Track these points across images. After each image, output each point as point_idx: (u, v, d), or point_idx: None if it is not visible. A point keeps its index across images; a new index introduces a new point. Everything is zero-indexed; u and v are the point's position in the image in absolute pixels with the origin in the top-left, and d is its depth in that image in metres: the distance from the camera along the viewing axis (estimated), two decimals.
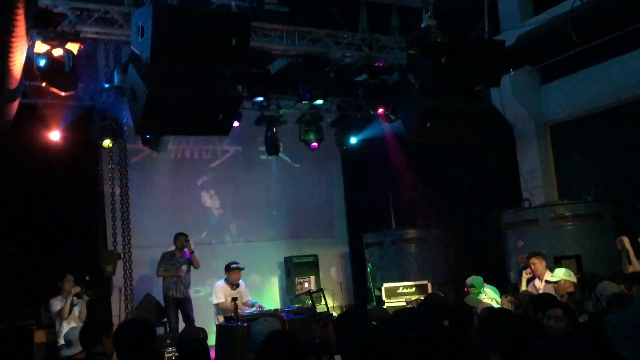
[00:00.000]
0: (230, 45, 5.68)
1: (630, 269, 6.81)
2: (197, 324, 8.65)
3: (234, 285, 8.40)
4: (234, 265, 8.49)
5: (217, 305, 8.24)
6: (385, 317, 4.39)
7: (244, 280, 8.86)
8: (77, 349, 4.40)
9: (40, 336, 7.92)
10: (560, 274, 6.35)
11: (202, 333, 4.31)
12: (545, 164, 9.35)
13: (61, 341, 7.33)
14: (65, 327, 7.32)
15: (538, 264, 6.99)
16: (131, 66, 5.95)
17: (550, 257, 7.71)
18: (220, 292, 8.29)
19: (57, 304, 7.70)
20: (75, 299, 7.66)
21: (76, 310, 7.70)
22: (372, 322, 4.61)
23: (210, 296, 10.23)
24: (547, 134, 9.47)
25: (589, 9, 6.90)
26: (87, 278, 8.00)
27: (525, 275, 7.07)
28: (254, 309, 8.13)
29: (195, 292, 9.78)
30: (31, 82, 7.77)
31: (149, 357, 3.24)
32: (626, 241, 6.91)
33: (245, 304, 8.44)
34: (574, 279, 6.17)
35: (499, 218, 9.01)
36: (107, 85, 8.64)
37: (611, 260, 7.58)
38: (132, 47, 5.76)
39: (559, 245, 7.94)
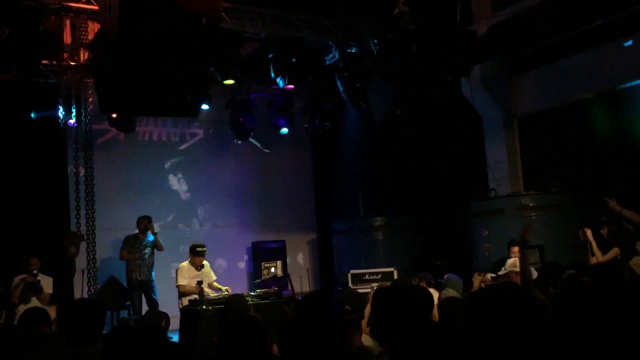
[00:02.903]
0: (201, 25, 5.59)
1: (593, 261, 6.95)
2: (162, 306, 8.58)
3: (199, 267, 8.30)
4: (199, 249, 8.39)
5: (178, 287, 8.12)
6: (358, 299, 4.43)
7: (210, 263, 8.78)
8: None
9: None
10: (508, 265, 6.43)
11: (165, 319, 4.24)
12: (512, 154, 9.46)
13: (16, 319, 7.23)
14: (22, 306, 7.23)
15: (515, 251, 7.06)
16: (98, 44, 5.82)
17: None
18: (183, 274, 8.14)
19: (15, 284, 7.58)
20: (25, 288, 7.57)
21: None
22: (347, 306, 4.64)
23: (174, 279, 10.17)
24: (515, 126, 9.57)
25: (560, 2, 6.99)
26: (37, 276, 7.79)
27: None
28: (222, 292, 8.05)
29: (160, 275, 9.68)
30: None
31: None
32: (589, 233, 7.04)
33: (211, 284, 8.32)
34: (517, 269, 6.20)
35: (465, 207, 9.10)
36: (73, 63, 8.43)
37: (573, 251, 7.73)
38: (99, 23, 5.63)
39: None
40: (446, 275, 7.17)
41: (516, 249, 7.12)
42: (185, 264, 8.31)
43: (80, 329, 3.18)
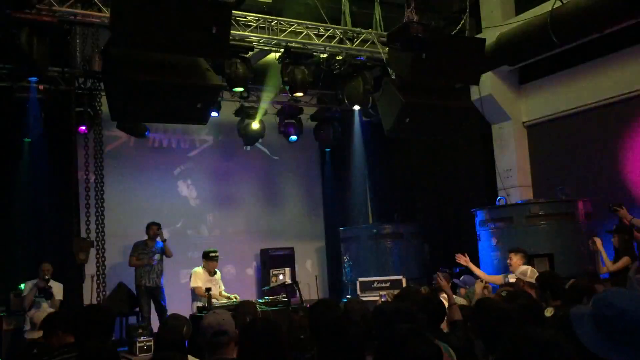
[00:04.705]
0: (211, 34, 5.63)
1: (604, 270, 6.91)
2: (170, 313, 8.60)
3: (212, 272, 8.40)
4: (212, 254, 8.49)
5: (193, 289, 8.21)
6: (363, 309, 4.43)
7: (219, 270, 8.84)
8: (40, 332, 4.43)
9: (8, 323, 7.82)
10: (518, 272, 6.41)
11: (186, 326, 4.24)
12: (522, 163, 9.44)
13: (27, 325, 7.29)
14: (33, 311, 7.26)
15: (514, 259, 7.02)
16: (109, 51, 5.86)
17: None
18: (197, 278, 8.27)
19: (26, 290, 7.62)
20: (37, 293, 7.63)
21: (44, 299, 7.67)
22: (350, 313, 4.64)
23: (183, 286, 10.19)
24: (524, 134, 9.56)
25: (569, 11, 6.98)
26: (50, 287, 7.84)
27: None
28: (231, 300, 8.10)
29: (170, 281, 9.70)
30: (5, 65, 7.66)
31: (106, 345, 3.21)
32: (598, 242, 7.00)
33: (220, 294, 8.40)
34: (528, 279, 6.13)
35: (474, 215, 9.08)
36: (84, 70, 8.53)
37: (583, 260, 7.69)
38: (110, 30, 5.67)
39: (532, 244, 8.00)
40: (462, 277, 7.16)
41: (511, 254, 7.07)
42: (200, 269, 8.40)
43: (90, 335, 3.21)
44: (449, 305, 5.08)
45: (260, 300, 8.01)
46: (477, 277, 7.18)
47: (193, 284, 8.25)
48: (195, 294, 8.21)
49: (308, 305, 7.56)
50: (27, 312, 7.55)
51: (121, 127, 9.47)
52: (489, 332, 3.33)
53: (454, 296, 6.31)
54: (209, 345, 3.33)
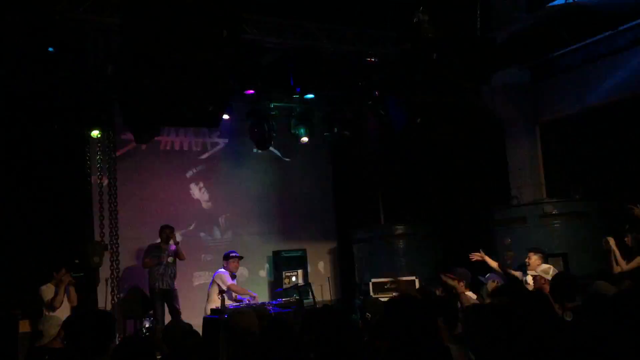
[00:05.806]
0: (222, 37, 5.66)
1: (617, 269, 6.85)
2: (184, 315, 8.65)
3: (233, 274, 8.47)
4: (233, 255, 8.56)
5: (229, 287, 8.25)
6: (379, 309, 4.43)
7: None
8: (46, 339, 4.47)
9: (24, 326, 7.87)
10: (540, 269, 6.37)
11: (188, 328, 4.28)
12: (534, 161, 9.39)
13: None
14: (43, 319, 7.30)
15: (533, 259, 6.97)
16: (121, 55, 5.91)
17: None
18: (226, 278, 8.32)
19: (48, 293, 7.68)
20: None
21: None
22: (367, 313, 4.65)
23: (196, 289, 10.26)
24: (537, 132, 9.51)
25: (580, 8, 6.94)
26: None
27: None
28: (246, 301, 8.14)
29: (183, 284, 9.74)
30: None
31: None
32: (612, 242, 6.94)
33: (235, 296, 8.45)
34: (549, 277, 6.10)
35: (487, 215, 9.04)
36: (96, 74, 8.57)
37: (597, 259, 7.63)
38: (122, 34, 5.72)
39: (546, 243, 7.96)
40: (488, 275, 7.12)
41: (530, 253, 7.03)
42: (223, 270, 8.48)
43: (88, 341, 3.17)
44: (459, 294, 5.07)
45: (273, 302, 8.03)
46: (499, 275, 7.17)
47: (226, 285, 8.25)
48: (224, 296, 8.18)
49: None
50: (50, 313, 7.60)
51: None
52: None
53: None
54: (236, 344, 3.31)
